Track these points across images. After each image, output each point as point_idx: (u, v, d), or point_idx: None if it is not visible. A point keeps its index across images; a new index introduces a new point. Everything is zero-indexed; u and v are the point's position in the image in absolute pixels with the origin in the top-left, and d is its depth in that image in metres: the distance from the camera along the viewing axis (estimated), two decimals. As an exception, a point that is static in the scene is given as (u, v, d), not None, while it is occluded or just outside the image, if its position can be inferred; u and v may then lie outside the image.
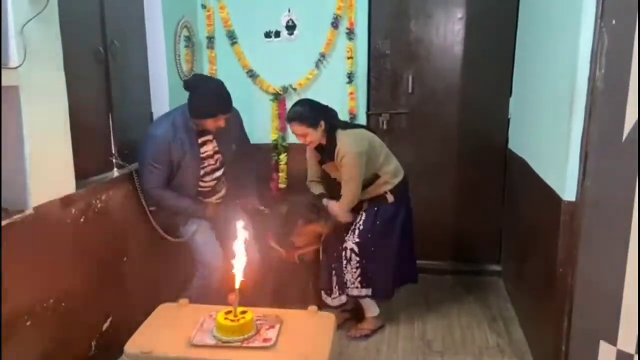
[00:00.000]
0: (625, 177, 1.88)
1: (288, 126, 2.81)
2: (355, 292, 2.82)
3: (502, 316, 3.11)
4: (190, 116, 2.58)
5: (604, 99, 1.94)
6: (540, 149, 2.66)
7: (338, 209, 2.78)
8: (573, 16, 2.11)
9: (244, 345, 1.84)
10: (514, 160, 3.27)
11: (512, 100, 3.46)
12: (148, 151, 2.58)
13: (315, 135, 2.68)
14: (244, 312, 1.92)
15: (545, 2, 2.66)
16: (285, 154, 3.58)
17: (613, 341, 1.95)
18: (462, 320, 3.07)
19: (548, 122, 2.52)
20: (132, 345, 1.87)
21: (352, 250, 2.77)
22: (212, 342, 1.87)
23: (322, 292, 2.90)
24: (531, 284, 2.81)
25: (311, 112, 2.67)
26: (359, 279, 2.78)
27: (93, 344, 2.35)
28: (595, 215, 2.02)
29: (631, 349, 1.91)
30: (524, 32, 3.22)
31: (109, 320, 2.47)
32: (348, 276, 2.79)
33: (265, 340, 1.87)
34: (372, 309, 2.92)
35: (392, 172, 2.78)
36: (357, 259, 2.77)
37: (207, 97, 2.55)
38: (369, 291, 2.81)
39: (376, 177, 2.76)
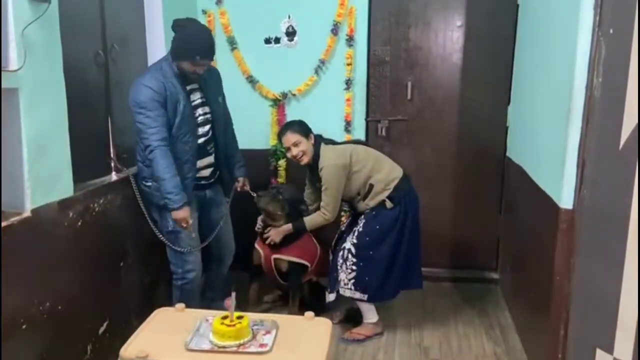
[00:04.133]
0: (622, 185, 1.88)
1: (282, 140, 2.88)
2: (347, 293, 2.83)
3: (499, 324, 3.11)
4: (172, 59, 2.50)
5: (602, 108, 1.95)
6: (538, 157, 2.67)
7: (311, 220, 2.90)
8: (571, 25, 2.12)
9: (240, 350, 1.84)
10: (512, 168, 3.28)
11: (510, 108, 3.47)
12: (141, 97, 2.39)
13: (306, 145, 2.81)
14: (240, 317, 1.92)
15: (544, 11, 2.68)
16: (284, 159, 3.58)
17: (609, 349, 1.95)
18: (460, 328, 3.07)
19: (546, 130, 2.53)
20: (128, 350, 1.86)
21: (349, 250, 2.81)
22: (208, 347, 1.86)
23: (327, 289, 2.96)
24: (528, 291, 2.81)
25: (302, 125, 2.87)
26: (353, 281, 2.80)
27: (89, 347, 2.34)
28: (592, 223, 2.02)
29: (627, 357, 1.91)
30: (522, 40, 3.23)
31: (105, 324, 2.46)
32: (342, 275, 2.82)
33: (261, 345, 1.87)
34: (369, 315, 2.92)
35: (384, 179, 2.80)
36: (354, 260, 2.79)
37: (188, 38, 2.46)
38: (364, 296, 2.82)
39: (371, 187, 2.80)
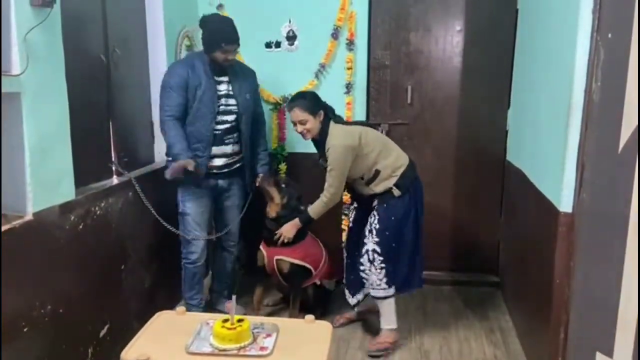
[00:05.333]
0: (621, 188, 1.89)
1: (288, 114, 2.86)
2: (381, 294, 2.79)
3: (499, 327, 3.11)
4: (205, 53, 2.78)
5: (600, 111, 1.96)
6: (538, 161, 2.68)
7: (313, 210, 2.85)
8: (570, 30, 2.13)
9: (241, 353, 1.84)
10: (512, 172, 3.29)
11: (510, 112, 3.48)
12: (166, 79, 2.76)
13: (314, 123, 2.75)
14: (241, 321, 1.92)
15: (543, 16, 2.69)
16: (285, 162, 3.59)
17: (609, 352, 1.95)
18: (460, 332, 3.07)
19: (545, 134, 2.54)
20: (129, 353, 1.86)
21: (374, 251, 2.75)
22: (208, 350, 1.86)
23: (346, 290, 2.99)
24: (528, 295, 2.81)
25: (312, 101, 2.78)
26: (385, 279, 2.76)
27: (90, 350, 2.34)
28: (591, 227, 2.03)
29: (627, 360, 1.91)
30: (522, 45, 3.24)
31: (106, 328, 2.46)
32: (373, 277, 2.77)
33: (262, 348, 1.87)
34: (389, 320, 2.85)
35: (391, 165, 2.75)
36: (381, 258, 2.75)
37: (212, 29, 2.74)
38: (392, 289, 2.79)
39: (377, 172, 2.75)
